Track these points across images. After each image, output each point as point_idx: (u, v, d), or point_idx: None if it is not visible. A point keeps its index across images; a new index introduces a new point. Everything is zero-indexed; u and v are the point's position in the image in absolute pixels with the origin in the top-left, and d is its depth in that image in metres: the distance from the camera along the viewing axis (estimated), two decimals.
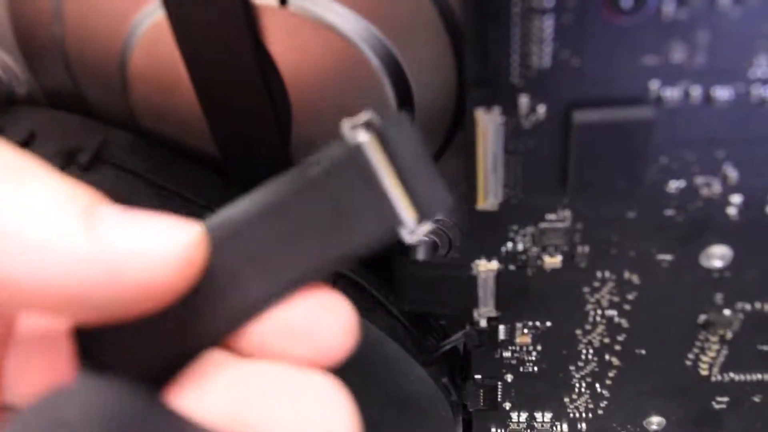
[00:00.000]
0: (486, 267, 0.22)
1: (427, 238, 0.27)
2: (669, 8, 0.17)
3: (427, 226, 0.14)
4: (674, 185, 0.20)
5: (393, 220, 0.14)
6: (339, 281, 0.25)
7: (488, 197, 0.20)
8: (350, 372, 0.27)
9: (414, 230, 0.14)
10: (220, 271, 0.14)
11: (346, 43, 0.21)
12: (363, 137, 0.14)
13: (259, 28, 0.21)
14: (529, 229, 0.21)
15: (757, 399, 0.26)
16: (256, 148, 0.24)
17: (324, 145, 0.14)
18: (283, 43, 0.22)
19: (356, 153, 0.14)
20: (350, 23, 0.21)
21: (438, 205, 0.14)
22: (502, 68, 0.18)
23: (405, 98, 0.22)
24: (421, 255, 0.26)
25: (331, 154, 0.14)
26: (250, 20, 0.21)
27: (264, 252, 0.14)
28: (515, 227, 0.21)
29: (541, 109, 0.18)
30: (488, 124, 0.19)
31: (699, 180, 0.20)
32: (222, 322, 0.14)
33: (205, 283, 0.14)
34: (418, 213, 0.14)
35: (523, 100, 0.18)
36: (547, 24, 0.17)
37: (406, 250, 0.27)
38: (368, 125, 0.14)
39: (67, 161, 0.24)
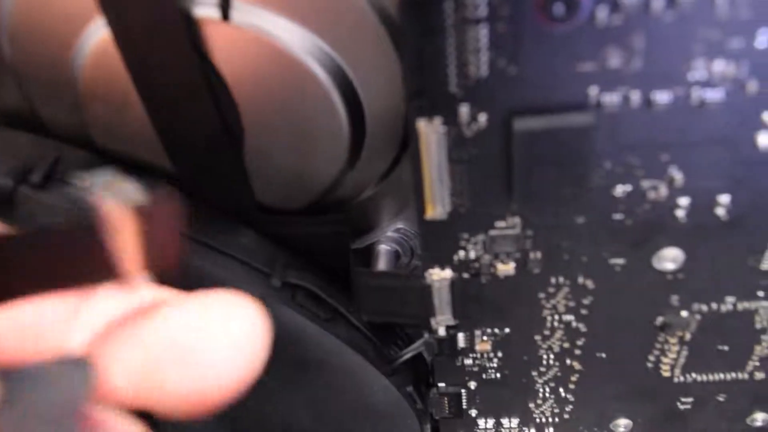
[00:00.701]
0: (440, 276, 0.22)
1: (389, 248, 0.27)
2: (602, 14, 0.17)
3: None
4: (621, 189, 0.20)
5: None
6: (298, 293, 0.25)
7: (436, 207, 0.20)
8: (311, 384, 0.27)
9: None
10: None
11: (291, 57, 0.21)
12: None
13: (203, 43, 0.21)
14: (480, 237, 0.21)
15: (721, 398, 0.26)
16: (209, 162, 0.24)
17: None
18: (229, 58, 0.21)
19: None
20: (295, 36, 0.21)
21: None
22: (440, 79, 0.18)
23: (355, 108, 0.22)
24: (382, 265, 0.26)
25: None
26: (192, 34, 0.20)
27: None
28: (466, 236, 0.21)
29: (482, 118, 0.18)
30: (430, 134, 0.19)
31: (645, 184, 0.20)
32: None
33: None
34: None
35: (464, 110, 0.18)
36: (482, 33, 0.17)
37: (368, 260, 0.27)
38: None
39: (20, 180, 0.24)
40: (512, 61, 0.17)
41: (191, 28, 0.20)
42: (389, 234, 0.27)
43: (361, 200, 0.26)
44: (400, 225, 0.27)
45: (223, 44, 0.21)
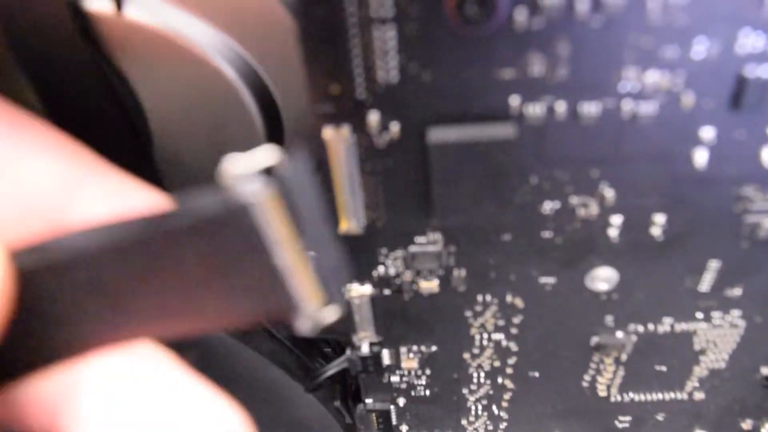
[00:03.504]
0: (359, 292, 0.20)
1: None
2: (521, 17, 0.15)
3: (330, 311, 0.11)
4: (549, 206, 0.18)
5: (285, 301, 0.11)
6: None
7: (350, 220, 0.18)
8: (232, 398, 0.25)
9: (312, 316, 0.11)
10: (51, 297, 0.12)
11: (197, 54, 0.19)
12: (254, 195, 0.10)
13: (99, 39, 0.19)
14: (400, 253, 0.19)
15: (660, 417, 0.25)
16: (116, 166, 0.22)
17: (201, 182, 0.11)
18: (128, 55, 0.19)
19: (244, 213, 0.10)
20: (201, 33, 0.19)
21: (340, 284, 0.11)
22: (346, 83, 0.16)
23: (270, 110, 0.20)
24: None
25: (211, 206, 0.11)
26: (83, 28, 0.18)
27: (111, 287, 0.12)
28: (384, 251, 0.19)
29: (395, 127, 0.17)
30: (338, 143, 0.17)
31: (574, 200, 0.18)
32: (60, 345, 0.13)
33: (32, 308, 0.12)
34: (318, 296, 0.11)
35: (373, 117, 0.16)
36: (389, 35, 0.15)
37: None
38: (260, 175, 0.10)
39: None
40: (425, 66, 0.16)
41: (82, 20, 0.18)
42: None
43: None
44: None
45: (122, 41, 0.19)
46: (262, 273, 0.11)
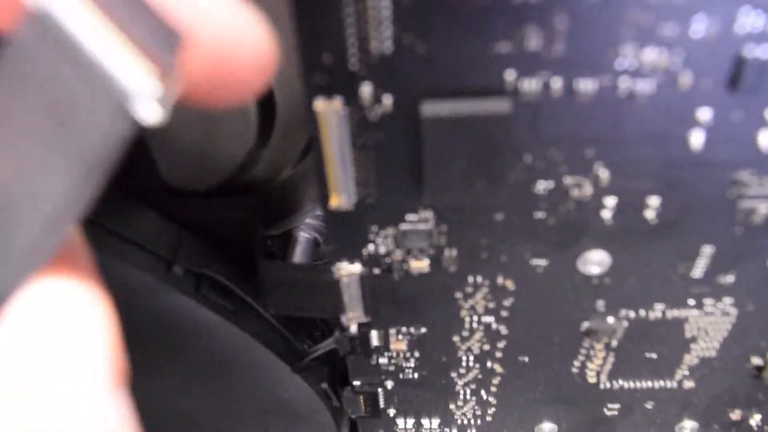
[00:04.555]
0: (348, 270, 0.20)
1: (307, 235, 0.25)
2: None
3: (171, 83, 0.09)
4: (542, 186, 0.18)
5: (115, 93, 0.09)
6: (203, 283, 0.23)
7: (341, 196, 0.18)
8: (217, 379, 0.25)
9: (153, 93, 0.09)
10: None
11: None
12: None
13: None
14: (390, 231, 0.19)
15: (649, 406, 0.25)
16: None
17: None
18: None
19: (42, 22, 0.09)
20: None
21: (165, 49, 0.09)
22: (339, 53, 0.16)
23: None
24: (299, 253, 0.24)
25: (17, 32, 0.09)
26: None
27: None
28: (374, 228, 0.19)
29: (388, 100, 0.16)
30: (330, 116, 0.16)
31: (568, 180, 0.18)
32: None
33: None
34: (147, 64, 0.09)
35: (366, 89, 0.16)
36: (384, 4, 0.15)
37: (284, 247, 0.25)
38: None
39: None
40: (420, 37, 0.15)
41: None
42: (308, 221, 0.25)
43: (278, 183, 0.24)
44: (319, 211, 0.25)
45: None
46: (83, 85, 0.09)
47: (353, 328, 0.22)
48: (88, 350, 0.09)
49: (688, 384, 0.24)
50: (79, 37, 0.09)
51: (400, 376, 0.24)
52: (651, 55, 0.15)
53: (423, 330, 0.22)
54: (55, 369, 0.09)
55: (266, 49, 0.10)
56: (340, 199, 0.18)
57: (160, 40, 0.09)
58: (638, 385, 0.24)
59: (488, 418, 0.26)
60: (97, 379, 0.09)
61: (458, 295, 0.21)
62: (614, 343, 0.22)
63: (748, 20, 0.15)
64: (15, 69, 0.09)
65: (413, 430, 0.26)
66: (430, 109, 0.16)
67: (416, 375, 0.24)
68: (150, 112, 0.09)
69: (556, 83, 0.16)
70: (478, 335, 0.22)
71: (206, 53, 0.10)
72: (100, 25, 0.09)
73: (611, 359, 0.23)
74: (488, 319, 0.22)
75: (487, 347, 0.23)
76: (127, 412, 0.09)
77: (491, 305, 0.21)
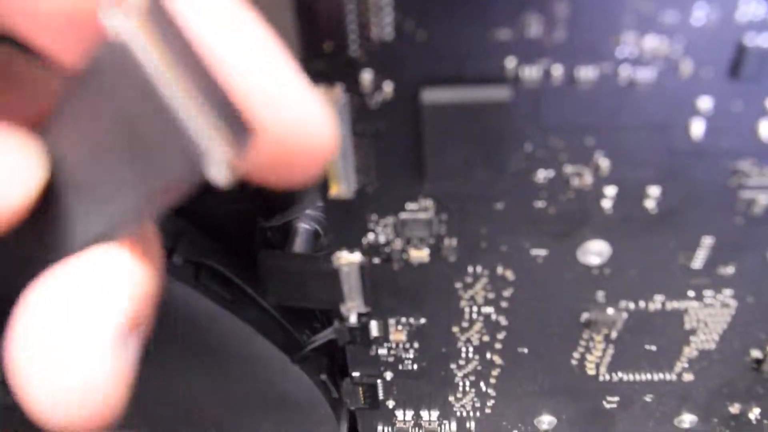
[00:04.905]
0: (348, 260, 0.20)
1: (308, 227, 0.25)
2: None
3: (241, 148, 0.09)
4: (542, 175, 0.18)
5: (189, 150, 0.09)
6: (201, 272, 0.23)
7: (340, 185, 0.18)
8: (215, 368, 0.25)
9: (221, 159, 0.09)
10: None
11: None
12: (121, 26, 0.09)
13: None
14: (390, 220, 0.19)
15: (648, 399, 0.25)
16: None
17: None
18: None
19: (118, 49, 0.09)
20: None
21: (241, 116, 0.09)
22: (339, 40, 0.16)
23: None
24: (299, 244, 0.24)
25: (92, 56, 0.10)
26: None
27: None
28: (374, 217, 0.19)
29: (388, 87, 0.16)
30: (330, 102, 0.16)
31: (569, 169, 0.18)
32: None
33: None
34: (221, 133, 0.09)
35: (366, 76, 0.16)
36: None
37: (284, 238, 0.25)
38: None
39: None
40: (421, 24, 0.15)
41: None
42: (308, 212, 0.25)
43: None
44: (320, 203, 0.25)
45: None
46: (158, 122, 0.09)
47: (353, 319, 0.22)
48: (109, 298, 0.10)
49: (688, 377, 0.24)
50: (155, 80, 0.09)
51: (400, 367, 0.24)
52: (652, 42, 0.15)
53: (422, 320, 0.22)
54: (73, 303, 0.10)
55: (329, 139, 0.11)
56: (340, 188, 0.18)
57: (236, 124, 0.09)
58: (637, 377, 0.24)
59: (487, 410, 0.26)
60: (104, 325, 0.10)
61: (458, 285, 0.21)
62: (614, 334, 0.22)
63: (750, 8, 0.15)
64: (94, 83, 0.10)
65: (412, 421, 0.26)
66: (431, 96, 0.16)
67: (415, 366, 0.24)
68: (219, 174, 0.09)
69: (557, 71, 0.16)
70: (477, 326, 0.22)
71: (273, 145, 0.10)
72: (175, 76, 0.09)
73: (611, 351, 0.23)
74: (488, 309, 0.21)
75: (486, 338, 0.23)
76: (122, 363, 0.10)
77: (491, 296, 0.21)
